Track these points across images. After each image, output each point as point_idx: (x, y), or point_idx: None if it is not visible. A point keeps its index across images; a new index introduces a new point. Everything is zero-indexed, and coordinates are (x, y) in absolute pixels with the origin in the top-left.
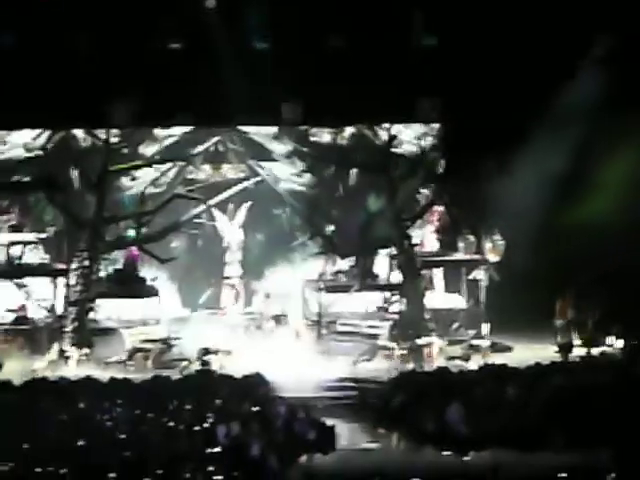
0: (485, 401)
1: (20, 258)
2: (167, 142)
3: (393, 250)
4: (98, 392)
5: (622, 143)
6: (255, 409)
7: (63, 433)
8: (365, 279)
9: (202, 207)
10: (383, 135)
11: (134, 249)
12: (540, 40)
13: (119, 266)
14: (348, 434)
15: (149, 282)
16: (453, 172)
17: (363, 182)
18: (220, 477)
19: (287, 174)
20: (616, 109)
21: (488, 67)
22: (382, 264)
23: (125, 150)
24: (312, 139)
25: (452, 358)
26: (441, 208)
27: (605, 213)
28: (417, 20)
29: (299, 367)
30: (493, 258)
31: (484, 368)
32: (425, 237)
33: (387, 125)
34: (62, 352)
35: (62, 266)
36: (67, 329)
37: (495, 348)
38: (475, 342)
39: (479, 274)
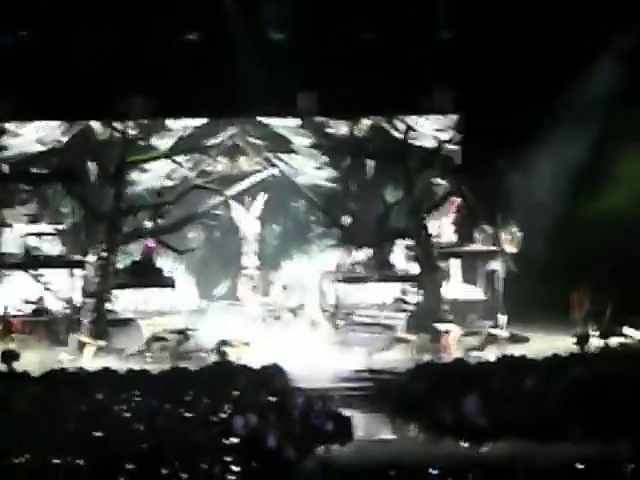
0: (503, 392)
1: (38, 249)
2: (184, 134)
3: (410, 241)
4: (116, 383)
5: (638, 135)
6: (272, 400)
7: (81, 424)
8: (382, 270)
9: (219, 198)
10: (400, 126)
11: (150, 241)
12: (558, 33)
13: (136, 258)
14: (365, 425)
15: (166, 273)
16: (470, 163)
17: (380, 173)
18: (237, 468)
19: (304, 165)
20: (634, 102)
21: (506, 59)
22: (399, 255)
23: (142, 142)
24: (329, 130)
25: (471, 349)
26: (458, 199)
27: (622, 205)
28: (436, 12)
29: (316, 358)
30: (510, 249)
31: (501, 359)
32: (442, 228)
33: (404, 116)
34: (80, 343)
35: (80, 258)
36: (85, 320)
37: (512, 339)
38: (493, 332)
39: (496, 265)
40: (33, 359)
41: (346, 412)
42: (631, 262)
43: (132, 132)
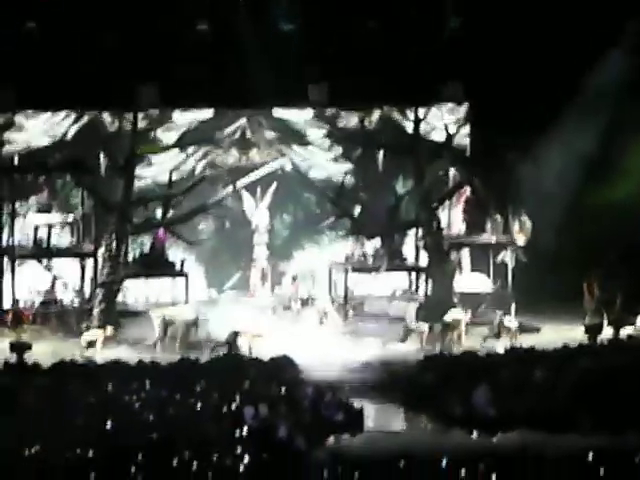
0: (513, 383)
1: (48, 240)
2: (194, 125)
3: (420, 232)
4: (126, 374)
5: None
6: (283, 391)
7: (91, 416)
8: (392, 261)
9: (230, 190)
10: (410, 117)
11: (161, 231)
12: (568, 24)
13: (147, 248)
14: (375, 416)
15: (177, 264)
16: (480, 154)
17: (391, 164)
18: (248, 458)
19: (314, 157)
20: None
21: (516, 50)
22: (409, 246)
23: (152, 134)
24: (339, 122)
25: (484, 339)
26: (468, 190)
27: (630, 193)
28: (445, 3)
29: (326, 349)
30: (520, 240)
31: (511, 351)
32: (452, 219)
33: (414, 108)
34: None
35: (90, 248)
36: (96, 311)
37: (523, 329)
38: (504, 322)
39: (506, 256)
40: (45, 350)
41: (356, 403)
42: None
43: (142, 124)
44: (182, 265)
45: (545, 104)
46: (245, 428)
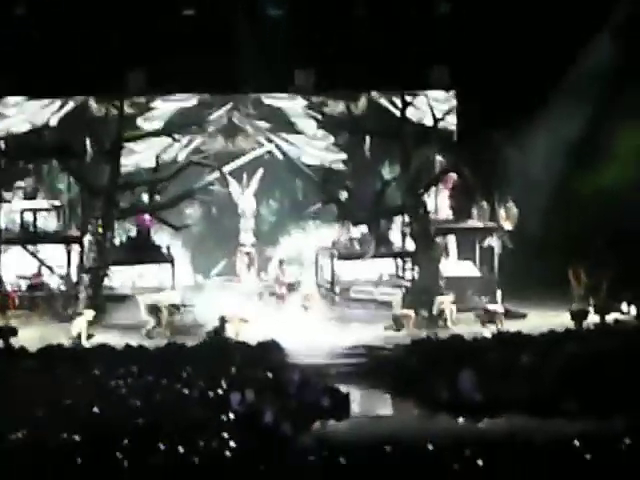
0: (499, 368)
1: (35, 225)
2: (180, 111)
3: (407, 217)
4: (113, 359)
5: (634, 110)
6: (269, 376)
7: (78, 400)
8: (379, 246)
9: (216, 175)
10: (397, 103)
11: (146, 217)
12: (555, 9)
13: (133, 233)
14: (362, 401)
15: (163, 249)
16: (467, 140)
17: (377, 150)
18: (234, 443)
19: (301, 142)
20: (631, 77)
21: (502, 35)
22: (396, 231)
23: (138, 119)
24: (326, 108)
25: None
26: (455, 176)
27: (618, 180)
28: None
29: (313, 334)
30: (507, 225)
31: (497, 335)
32: (439, 205)
33: (401, 93)
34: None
35: (76, 233)
36: (82, 295)
37: (509, 315)
38: (489, 308)
39: (493, 241)
40: (32, 335)
41: (342, 388)
42: (627, 237)
43: (128, 109)
44: (168, 250)
45: (532, 90)
46: (231, 413)
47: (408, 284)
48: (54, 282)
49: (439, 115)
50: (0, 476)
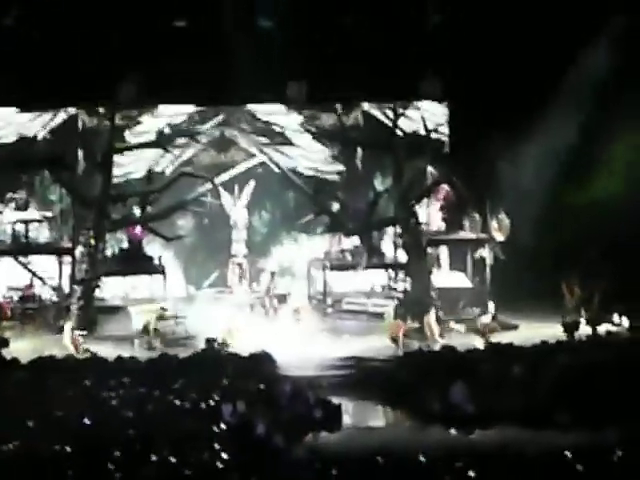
0: (491, 380)
1: (26, 236)
2: (172, 122)
3: (399, 229)
4: (105, 370)
5: (628, 123)
6: (261, 387)
7: (69, 411)
8: (371, 258)
9: (208, 186)
10: (389, 114)
11: (138, 228)
12: (550, 20)
13: (125, 245)
14: (354, 412)
15: (155, 260)
16: (459, 151)
17: (369, 161)
18: (226, 455)
19: (293, 153)
20: (623, 89)
21: (495, 46)
22: (388, 243)
23: (130, 130)
24: (318, 119)
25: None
26: (447, 187)
27: (610, 192)
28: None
29: (305, 345)
30: (499, 237)
31: (489, 347)
32: (431, 216)
33: (393, 104)
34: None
35: (68, 245)
36: (74, 307)
37: (501, 326)
38: (481, 319)
39: (485, 253)
40: (24, 346)
41: (334, 400)
42: (620, 248)
43: (120, 120)
44: (160, 261)
45: (524, 101)
46: (223, 424)
47: (400, 295)
48: (46, 293)
49: (431, 126)
50: None
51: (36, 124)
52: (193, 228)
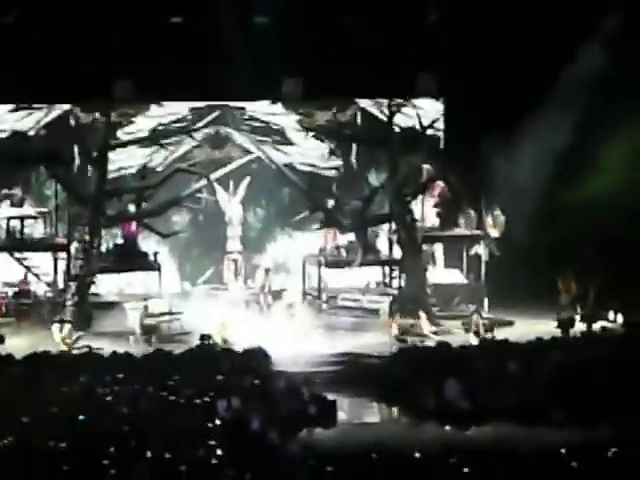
0: (486, 376)
1: (21, 232)
2: (167, 118)
3: (394, 225)
4: (99, 366)
5: (622, 120)
6: (256, 383)
7: (64, 407)
8: (366, 254)
9: (203, 182)
10: (384, 111)
11: (132, 224)
12: (544, 18)
13: (120, 241)
14: (348, 408)
15: (150, 257)
16: (454, 147)
17: (365, 157)
18: (221, 451)
19: (288, 150)
20: (618, 87)
21: (490, 44)
22: (383, 239)
23: (125, 126)
24: (314, 115)
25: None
26: (442, 183)
27: (606, 189)
28: None
29: (300, 342)
30: (494, 233)
31: (484, 343)
32: (426, 212)
33: (388, 101)
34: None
35: (63, 241)
36: (69, 303)
37: (496, 323)
38: (476, 316)
39: (480, 249)
40: (19, 342)
41: (330, 396)
42: (615, 245)
43: (115, 116)
44: (155, 258)
45: (520, 98)
46: (218, 420)
47: (395, 292)
48: (41, 289)
49: (426, 123)
50: None
51: (30, 120)
52: (188, 224)
